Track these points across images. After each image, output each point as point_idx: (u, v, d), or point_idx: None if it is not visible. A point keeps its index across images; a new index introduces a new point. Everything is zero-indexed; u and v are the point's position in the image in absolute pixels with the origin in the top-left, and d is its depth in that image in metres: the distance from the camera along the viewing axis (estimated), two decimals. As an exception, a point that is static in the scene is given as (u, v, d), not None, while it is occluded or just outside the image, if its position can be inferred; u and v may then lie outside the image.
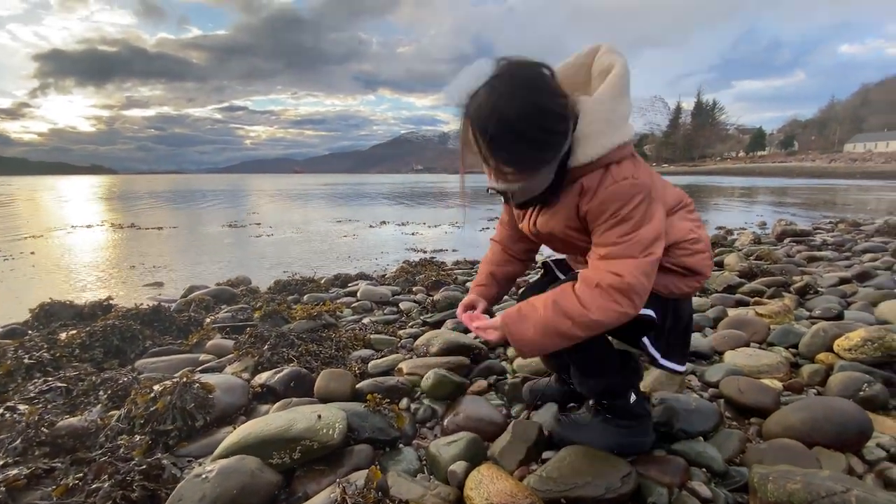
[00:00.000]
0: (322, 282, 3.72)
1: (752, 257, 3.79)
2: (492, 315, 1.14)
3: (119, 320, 2.13)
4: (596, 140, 0.94)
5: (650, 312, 1.04)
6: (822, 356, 1.72)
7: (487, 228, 8.01)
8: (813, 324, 2.19)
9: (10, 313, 3.04)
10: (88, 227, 8.41)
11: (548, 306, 0.94)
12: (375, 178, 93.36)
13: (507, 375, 1.73)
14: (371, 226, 8.51)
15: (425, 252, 5.67)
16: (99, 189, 29.78)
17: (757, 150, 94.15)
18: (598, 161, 0.95)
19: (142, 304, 2.82)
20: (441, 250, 5.79)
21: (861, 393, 1.41)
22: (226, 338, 2.17)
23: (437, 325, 2.40)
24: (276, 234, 7.23)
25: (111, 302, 2.87)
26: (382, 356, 1.96)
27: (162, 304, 3.07)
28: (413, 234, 7.42)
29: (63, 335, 2.15)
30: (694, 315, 1.55)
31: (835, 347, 1.70)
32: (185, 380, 1.36)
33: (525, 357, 0.88)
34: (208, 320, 2.43)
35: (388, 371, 1.79)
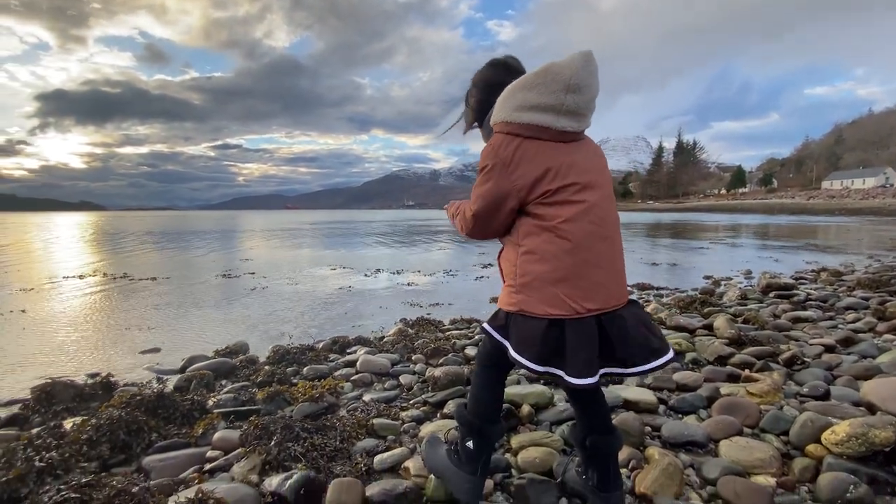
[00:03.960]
0: (321, 347, 3.76)
1: (740, 319, 3.92)
2: None
3: (124, 410, 2.15)
4: (493, 112, 1.35)
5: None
6: (811, 448, 1.80)
7: (482, 277, 8.12)
8: (802, 402, 2.30)
9: (8, 387, 3.03)
10: (80, 277, 8.37)
11: (464, 201, 1.43)
12: (367, 215, 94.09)
13: (513, 471, 1.78)
14: (366, 275, 8.58)
15: (422, 307, 5.73)
16: (89, 229, 29.63)
17: (738, 187, 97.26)
18: (496, 126, 1.32)
19: (144, 386, 2.84)
20: (437, 304, 5.86)
21: (848, 495, 1.49)
22: (230, 427, 2.19)
23: (440, 404, 2.45)
24: (271, 286, 7.26)
25: (111, 379, 2.88)
26: (387, 447, 2.00)
27: (163, 380, 3.09)
28: (408, 284, 7.50)
29: (68, 425, 2.16)
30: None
31: (823, 440, 1.78)
32: (199, 496, 1.39)
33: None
34: (211, 402, 2.45)
35: (395, 467, 1.82)
